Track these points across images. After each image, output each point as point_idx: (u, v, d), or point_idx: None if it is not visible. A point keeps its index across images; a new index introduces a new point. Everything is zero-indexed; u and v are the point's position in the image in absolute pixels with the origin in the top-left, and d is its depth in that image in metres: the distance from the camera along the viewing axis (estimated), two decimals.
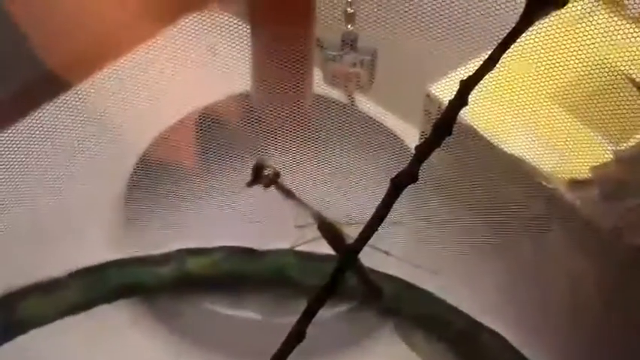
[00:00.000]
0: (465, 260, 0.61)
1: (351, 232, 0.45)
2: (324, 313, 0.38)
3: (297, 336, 0.37)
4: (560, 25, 0.47)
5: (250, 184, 0.44)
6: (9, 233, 0.59)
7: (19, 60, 0.58)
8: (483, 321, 0.63)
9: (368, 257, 0.41)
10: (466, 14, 0.52)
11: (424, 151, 0.33)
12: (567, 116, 0.54)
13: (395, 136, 0.70)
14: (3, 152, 0.55)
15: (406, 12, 0.55)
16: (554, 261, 0.57)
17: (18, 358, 0.62)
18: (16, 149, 0.55)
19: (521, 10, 0.47)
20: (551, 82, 0.51)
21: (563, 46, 0.48)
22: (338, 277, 0.37)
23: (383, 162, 0.63)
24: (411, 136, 0.68)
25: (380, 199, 0.35)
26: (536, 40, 0.48)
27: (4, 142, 0.55)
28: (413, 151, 0.65)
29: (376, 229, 0.36)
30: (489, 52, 0.31)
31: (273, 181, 0.44)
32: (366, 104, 0.72)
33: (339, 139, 0.63)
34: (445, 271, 0.61)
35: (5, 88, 0.58)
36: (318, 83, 0.65)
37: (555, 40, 0.48)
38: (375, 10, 0.57)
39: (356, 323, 0.66)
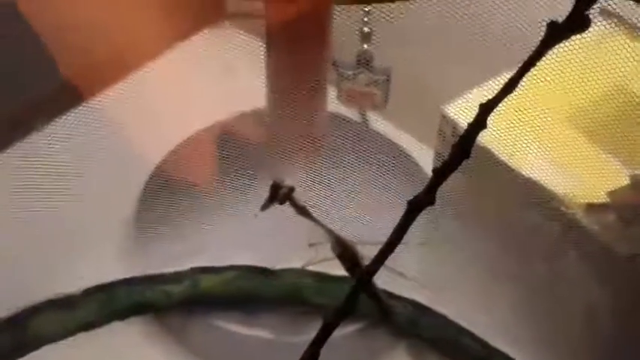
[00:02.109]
0: (479, 283, 0.61)
1: (364, 251, 0.45)
2: (336, 332, 0.38)
3: (311, 358, 0.37)
4: (577, 49, 0.47)
5: (266, 205, 0.44)
6: (22, 250, 0.59)
7: (37, 71, 0.59)
8: (497, 345, 0.62)
9: (382, 278, 0.40)
10: (481, 36, 0.52)
11: (442, 173, 0.33)
12: (584, 140, 0.53)
13: (408, 155, 0.70)
14: (17, 166, 0.55)
15: (421, 33, 0.55)
16: (570, 286, 0.56)
17: None
18: (28, 163, 0.55)
19: (539, 31, 0.47)
20: (567, 106, 0.51)
21: (580, 70, 0.48)
22: (352, 300, 0.37)
23: (395, 181, 0.63)
24: (424, 156, 0.67)
25: (392, 219, 0.35)
26: (553, 63, 0.48)
27: (15, 155, 0.55)
28: (425, 171, 0.65)
29: (392, 252, 0.36)
30: (504, 74, 0.31)
31: (288, 196, 0.44)
32: (379, 123, 0.72)
33: (352, 157, 0.63)
34: (459, 294, 0.61)
35: (21, 99, 0.59)
36: (333, 102, 0.65)
37: (572, 63, 0.48)
38: (391, 30, 0.57)
39: (368, 343, 0.66)
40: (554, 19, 0.30)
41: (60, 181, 0.57)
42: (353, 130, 0.67)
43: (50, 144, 0.55)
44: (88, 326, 0.64)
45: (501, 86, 0.32)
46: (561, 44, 0.31)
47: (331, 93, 0.65)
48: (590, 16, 0.30)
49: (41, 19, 0.56)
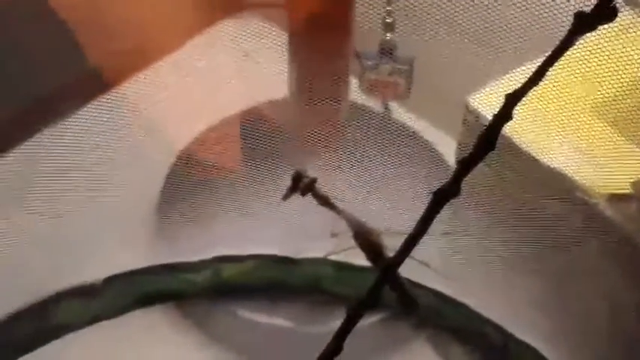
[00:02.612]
0: (501, 274, 0.61)
1: (386, 241, 0.45)
2: (359, 322, 0.38)
3: (335, 349, 0.37)
4: (602, 39, 0.47)
5: (287, 195, 0.44)
6: (45, 239, 0.59)
7: (63, 59, 0.59)
8: (518, 334, 0.62)
9: (403, 267, 0.40)
10: (505, 26, 0.52)
11: (467, 165, 0.33)
12: (608, 130, 0.53)
13: (431, 146, 0.70)
14: (42, 157, 0.55)
15: (445, 23, 0.54)
16: (592, 276, 0.56)
17: None
18: (52, 152, 0.56)
19: (560, 21, 0.47)
20: (592, 96, 0.51)
21: (604, 60, 0.48)
22: (376, 291, 0.37)
23: (418, 172, 0.63)
24: (447, 147, 0.67)
25: (415, 209, 0.35)
26: (578, 53, 0.48)
27: (38, 144, 0.55)
28: (448, 161, 0.65)
29: (417, 243, 0.36)
30: (529, 65, 0.31)
31: (310, 187, 0.44)
32: (402, 114, 0.71)
33: (374, 148, 0.63)
34: (481, 284, 0.61)
35: (46, 88, 0.59)
36: (355, 92, 0.65)
37: (597, 53, 0.48)
38: (414, 19, 0.57)
39: (389, 333, 0.66)
40: (582, 10, 0.30)
41: (84, 170, 0.58)
42: (375, 120, 0.67)
43: (75, 132, 0.56)
44: (110, 314, 0.65)
45: (527, 76, 0.32)
46: (586, 36, 0.31)
47: (353, 83, 0.65)
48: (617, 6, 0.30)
49: (68, 7, 0.56)
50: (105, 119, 0.57)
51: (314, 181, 0.44)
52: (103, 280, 0.64)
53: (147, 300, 0.66)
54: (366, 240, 0.46)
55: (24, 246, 0.57)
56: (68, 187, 0.58)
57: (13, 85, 0.58)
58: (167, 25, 0.57)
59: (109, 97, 0.56)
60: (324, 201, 0.45)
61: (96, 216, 0.61)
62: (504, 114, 0.31)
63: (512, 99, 0.31)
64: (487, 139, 0.32)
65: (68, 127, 0.56)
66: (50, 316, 0.63)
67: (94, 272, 0.64)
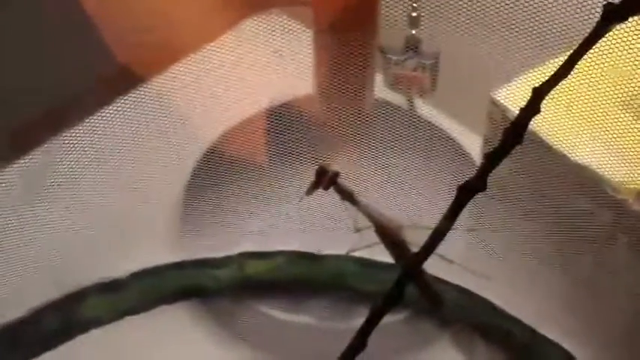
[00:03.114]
0: (527, 270, 0.60)
1: (410, 237, 0.45)
2: (383, 319, 0.37)
3: (358, 346, 0.37)
4: (630, 31, 0.46)
5: (311, 190, 0.44)
6: (71, 234, 0.59)
7: (89, 56, 0.59)
8: (544, 332, 0.61)
9: (428, 263, 0.40)
10: (531, 19, 0.51)
11: (493, 159, 0.33)
12: (637, 125, 0.52)
13: (455, 142, 0.69)
14: (68, 151, 0.56)
15: (470, 17, 0.54)
16: (619, 274, 0.55)
17: (78, 358, 0.63)
18: (79, 148, 0.56)
19: (587, 15, 0.47)
20: (620, 89, 0.50)
21: (633, 52, 0.47)
22: (401, 287, 0.37)
23: (442, 166, 0.62)
24: (472, 141, 0.67)
25: (438, 204, 0.35)
26: (605, 45, 0.47)
27: (68, 141, 0.55)
28: (473, 157, 0.65)
29: (442, 239, 0.35)
30: (555, 59, 0.30)
31: (333, 181, 0.44)
32: (427, 110, 0.71)
33: (398, 143, 0.63)
34: (506, 280, 0.60)
35: (73, 87, 0.59)
36: (380, 88, 0.65)
37: (625, 45, 0.47)
38: (439, 14, 0.56)
39: (413, 331, 0.66)
40: (611, 1, 0.30)
41: (110, 164, 0.58)
42: (400, 116, 0.67)
43: (102, 128, 0.56)
44: (134, 310, 0.65)
45: (552, 70, 0.31)
46: (615, 28, 0.30)
47: (378, 78, 0.64)
48: None
49: (94, 2, 0.56)
50: (132, 115, 0.57)
51: (337, 174, 0.44)
52: (128, 276, 0.64)
53: (172, 295, 0.66)
54: (390, 236, 0.46)
55: (49, 240, 0.58)
56: (94, 182, 0.58)
57: (43, 83, 0.59)
58: (196, 20, 0.57)
59: (137, 92, 0.57)
60: (347, 196, 0.45)
61: (122, 211, 0.61)
62: (532, 107, 0.31)
63: (540, 92, 0.31)
64: (514, 133, 0.32)
65: (96, 122, 0.56)
66: (76, 312, 0.63)
67: (120, 267, 0.64)
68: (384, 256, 0.46)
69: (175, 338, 0.65)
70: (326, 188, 0.44)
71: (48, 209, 0.57)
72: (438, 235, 0.35)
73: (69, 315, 0.63)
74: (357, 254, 0.64)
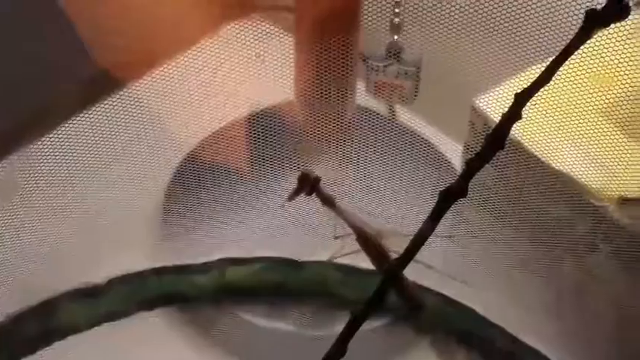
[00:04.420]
0: (508, 277, 0.60)
1: (390, 244, 0.45)
2: (362, 326, 0.37)
3: (338, 352, 0.37)
4: (610, 40, 0.47)
5: (293, 196, 0.44)
6: (49, 239, 0.59)
7: (71, 59, 0.59)
8: (525, 340, 0.61)
9: (409, 268, 0.40)
10: (513, 28, 0.51)
11: (475, 165, 0.33)
12: (617, 132, 0.52)
13: (436, 149, 0.70)
14: (46, 156, 0.55)
15: (452, 25, 0.54)
16: (600, 280, 0.56)
17: None
18: (58, 152, 0.55)
19: (568, 23, 0.47)
20: (601, 98, 0.50)
21: (613, 62, 0.47)
22: (382, 294, 0.36)
23: (423, 173, 0.62)
24: (452, 148, 0.67)
25: (419, 211, 0.34)
26: (586, 55, 0.47)
27: (46, 146, 0.55)
28: (453, 164, 0.65)
29: (422, 244, 0.35)
30: (536, 66, 0.30)
31: (314, 186, 0.44)
32: (407, 117, 0.71)
33: (379, 150, 0.63)
34: (488, 287, 0.60)
35: (51, 91, 0.59)
36: (361, 95, 0.65)
37: (607, 55, 0.47)
38: (421, 21, 0.56)
39: (394, 337, 0.66)
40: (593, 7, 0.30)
41: (89, 170, 0.58)
42: (381, 123, 0.67)
43: (80, 133, 0.55)
44: (113, 316, 0.64)
45: (534, 78, 0.31)
46: (596, 36, 0.30)
47: (360, 86, 0.64)
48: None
49: (76, 7, 0.56)
50: (111, 119, 0.57)
51: (318, 180, 0.44)
52: (107, 282, 0.64)
53: (151, 302, 0.65)
54: (370, 242, 0.46)
55: (26, 245, 0.57)
56: (72, 187, 0.58)
57: (20, 87, 0.59)
58: (177, 25, 0.57)
59: (116, 96, 0.56)
60: (328, 202, 0.45)
61: (100, 216, 0.61)
62: (514, 113, 0.31)
63: (522, 98, 0.31)
64: (496, 139, 0.32)
65: (74, 127, 0.55)
66: (53, 318, 0.62)
67: (98, 273, 0.64)
68: (365, 262, 0.46)
69: (154, 345, 0.65)
70: (308, 194, 0.44)
71: (25, 214, 0.56)
72: (418, 241, 0.35)
73: (46, 321, 0.62)
74: (340, 261, 0.64)
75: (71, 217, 0.59)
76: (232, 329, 0.66)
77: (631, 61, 0.46)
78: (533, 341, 0.61)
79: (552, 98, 0.51)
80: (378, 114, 0.69)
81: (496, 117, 0.35)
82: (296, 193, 0.44)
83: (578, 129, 0.53)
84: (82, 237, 0.61)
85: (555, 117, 0.53)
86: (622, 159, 0.52)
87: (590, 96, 0.51)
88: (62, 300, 0.63)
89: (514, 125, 0.32)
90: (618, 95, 0.49)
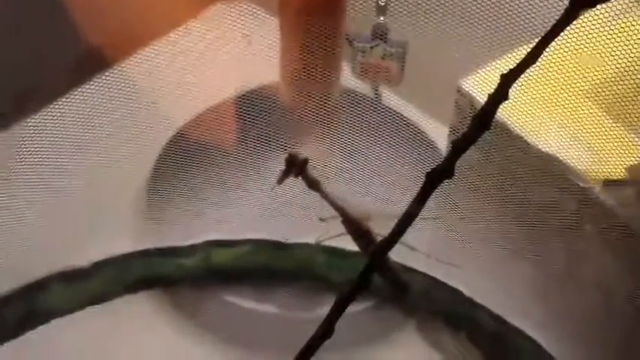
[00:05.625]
0: (493, 259, 0.61)
1: (375, 227, 0.45)
2: (348, 308, 0.37)
3: (325, 333, 0.37)
4: (596, 22, 0.46)
5: (282, 178, 0.44)
6: (33, 221, 0.58)
7: (59, 38, 0.58)
8: (512, 321, 0.62)
9: (395, 250, 0.40)
10: (499, 8, 0.51)
11: (461, 146, 0.32)
12: (602, 115, 0.53)
13: (421, 131, 0.69)
14: (31, 135, 0.55)
15: (438, 5, 0.54)
16: (587, 262, 0.56)
17: (39, 348, 0.62)
18: (42, 132, 0.55)
19: (555, 4, 0.47)
20: (586, 80, 0.50)
21: (598, 44, 0.47)
22: (366, 275, 0.36)
23: (409, 155, 0.62)
24: (438, 131, 0.67)
25: (405, 193, 0.34)
26: (572, 36, 0.47)
27: (32, 125, 0.54)
28: (438, 146, 0.65)
29: (408, 226, 0.35)
30: (522, 47, 0.30)
31: (301, 168, 0.43)
32: (393, 98, 0.71)
33: (365, 131, 0.63)
34: (474, 269, 0.60)
35: (38, 70, 0.58)
36: (346, 77, 0.65)
37: (591, 37, 0.47)
38: (407, 2, 0.56)
39: (379, 319, 0.66)
40: None
41: (75, 152, 0.57)
42: (367, 105, 0.66)
43: (66, 113, 0.55)
44: (97, 299, 0.64)
45: (520, 59, 0.31)
46: (580, 17, 0.30)
47: (345, 67, 0.64)
48: None
49: None
50: (98, 99, 0.56)
51: (306, 162, 0.43)
52: (91, 265, 0.64)
53: (136, 284, 0.65)
54: (355, 225, 0.46)
55: (10, 227, 0.57)
56: (57, 167, 0.57)
57: (7, 66, 0.58)
58: (164, 5, 0.57)
59: (103, 76, 0.56)
60: (314, 184, 0.45)
61: (85, 197, 0.61)
62: (500, 94, 0.31)
63: (508, 78, 0.31)
64: (482, 120, 0.31)
65: (61, 106, 0.55)
66: (38, 301, 0.62)
67: (83, 256, 0.63)
68: (352, 245, 0.46)
69: (140, 328, 0.65)
70: (296, 176, 0.44)
71: (9, 195, 0.56)
72: (405, 223, 0.35)
73: (31, 304, 0.62)
74: (326, 244, 0.64)
75: (55, 199, 0.59)
76: (218, 312, 0.66)
77: (617, 42, 0.46)
78: (518, 322, 0.62)
79: (538, 79, 0.51)
80: (364, 95, 0.69)
81: (482, 98, 0.35)
82: (284, 175, 0.44)
83: (564, 110, 0.53)
84: (66, 220, 0.60)
85: (541, 98, 0.53)
86: (607, 141, 0.52)
87: (575, 77, 0.51)
88: (46, 283, 0.62)
89: (500, 107, 0.32)
90: (604, 77, 0.49)
